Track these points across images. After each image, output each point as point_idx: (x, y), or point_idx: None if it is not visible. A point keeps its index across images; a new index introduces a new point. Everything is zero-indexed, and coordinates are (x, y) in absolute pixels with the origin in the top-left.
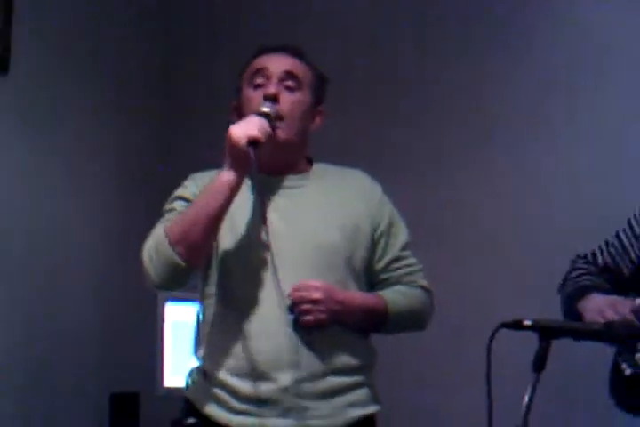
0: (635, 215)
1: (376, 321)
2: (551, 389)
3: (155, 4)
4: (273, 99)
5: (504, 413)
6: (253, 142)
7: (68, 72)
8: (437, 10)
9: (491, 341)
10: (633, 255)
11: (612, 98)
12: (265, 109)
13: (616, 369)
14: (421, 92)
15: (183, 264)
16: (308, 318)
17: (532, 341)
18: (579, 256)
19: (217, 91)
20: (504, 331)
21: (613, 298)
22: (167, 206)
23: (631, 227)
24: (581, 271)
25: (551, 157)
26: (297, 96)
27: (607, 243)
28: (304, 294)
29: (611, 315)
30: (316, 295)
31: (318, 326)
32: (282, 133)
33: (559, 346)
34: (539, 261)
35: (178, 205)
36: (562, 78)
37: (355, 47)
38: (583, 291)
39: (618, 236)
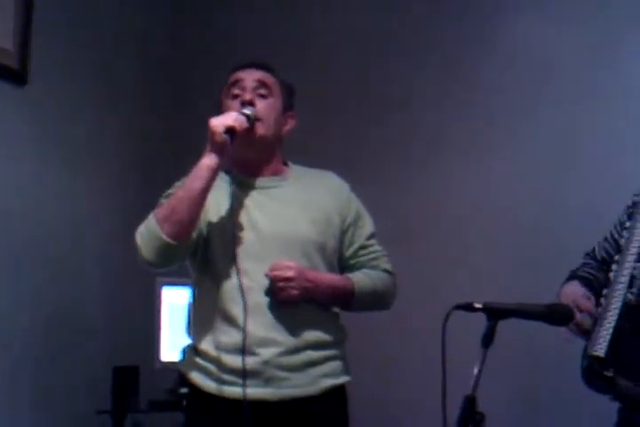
0: (621, 213)
1: (344, 299)
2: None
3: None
4: (250, 104)
5: (458, 384)
6: (230, 131)
7: (81, 83)
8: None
9: (445, 320)
10: (622, 243)
11: (552, 105)
12: (245, 111)
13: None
14: (387, 100)
15: (169, 241)
16: (283, 293)
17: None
18: (586, 253)
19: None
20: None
21: (580, 290)
22: (160, 202)
23: (619, 222)
24: (582, 264)
25: (507, 156)
26: (269, 101)
27: (605, 238)
28: (278, 272)
29: (584, 305)
30: (289, 274)
31: (291, 301)
32: (259, 130)
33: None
34: (495, 248)
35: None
36: (510, 89)
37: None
38: (569, 278)
39: (610, 232)
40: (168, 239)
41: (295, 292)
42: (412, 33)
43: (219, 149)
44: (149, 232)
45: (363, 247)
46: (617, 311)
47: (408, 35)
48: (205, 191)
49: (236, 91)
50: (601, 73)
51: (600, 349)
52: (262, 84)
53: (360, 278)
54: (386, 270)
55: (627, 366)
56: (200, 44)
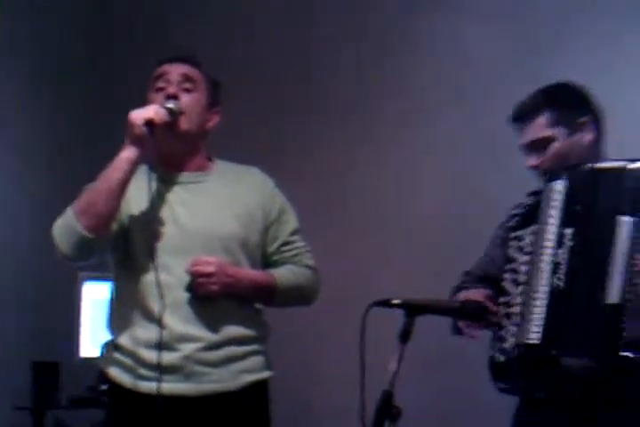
0: (495, 233)
1: (266, 295)
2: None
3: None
4: (174, 97)
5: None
6: (149, 123)
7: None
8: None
9: (365, 316)
10: (498, 262)
11: (474, 99)
12: (168, 105)
13: (491, 358)
14: (308, 92)
15: (86, 234)
16: (203, 289)
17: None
18: (465, 273)
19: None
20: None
21: (476, 290)
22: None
23: (498, 236)
24: (461, 282)
25: (433, 151)
26: (194, 96)
27: (480, 258)
28: (199, 268)
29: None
30: (210, 269)
31: (212, 296)
32: (182, 124)
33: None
34: (418, 246)
35: None
36: (435, 84)
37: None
38: (455, 291)
39: (486, 252)
40: (86, 233)
41: (215, 287)
42: (333, 23)
43: (137, 142)
44: (67, 226)
45: (286, 243)
46: (545, 299)
47: (330, 23)
48: (124, 184)
49: (161, 84)
50: (519, 70)
51: (534, 336)
52: (187, 78)
53: (282, 274)
54: (309, 267)
55: (569, 347)
56: (122, 29)
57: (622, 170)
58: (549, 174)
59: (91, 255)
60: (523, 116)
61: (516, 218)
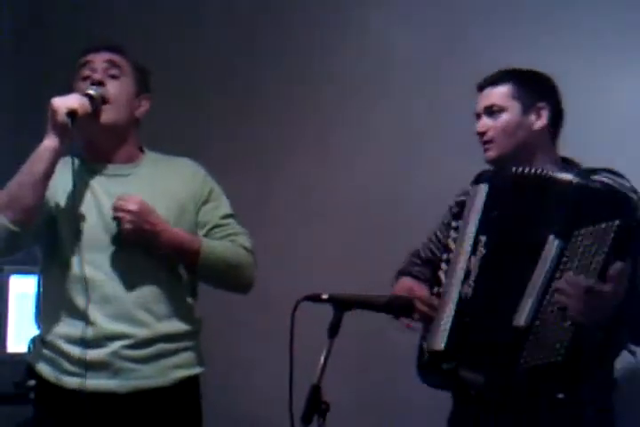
0: (444, 215)
1: (188, 255)
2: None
3: None
4: (99, 84)
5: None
6: (71, 113)
7: None
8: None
9: (294, 310)
10: (448, 243)
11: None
12: (90, 91)
13: (420, 351)
14: (241, 87)
15: (13, 227)
16: (125, 227)
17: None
18: (411, 254)
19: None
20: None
21: (415, 283)
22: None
23: (443, 223)
24: (408, 263)
25: (355, 148)
26: (121, 82)
27: (429, 239)
28: (122, 203)
29: (418, 292)
30: (132, 207)
31: (126, 238)
32: (106, 115)
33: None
34: (354, 240)
35: None
36: (358, 82)
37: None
38: (397, 276)
39: (435, 233)
40: (12, 226)
41: (129, 226)
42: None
43: (60, 131)
44: None
45: (217, 226)
46: (454, 305)
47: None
48: (48, 174)
49: (87, 72)
50: (444, 71)
51: (438, 343)
52: (113, 64)
53: (210, 242)
54: (244, 247)
55: (470, 356)
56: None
57: (568, 184)
58: (477, 175)
59: (18, 249)
60: (486, 83)
61: (458, 207)
